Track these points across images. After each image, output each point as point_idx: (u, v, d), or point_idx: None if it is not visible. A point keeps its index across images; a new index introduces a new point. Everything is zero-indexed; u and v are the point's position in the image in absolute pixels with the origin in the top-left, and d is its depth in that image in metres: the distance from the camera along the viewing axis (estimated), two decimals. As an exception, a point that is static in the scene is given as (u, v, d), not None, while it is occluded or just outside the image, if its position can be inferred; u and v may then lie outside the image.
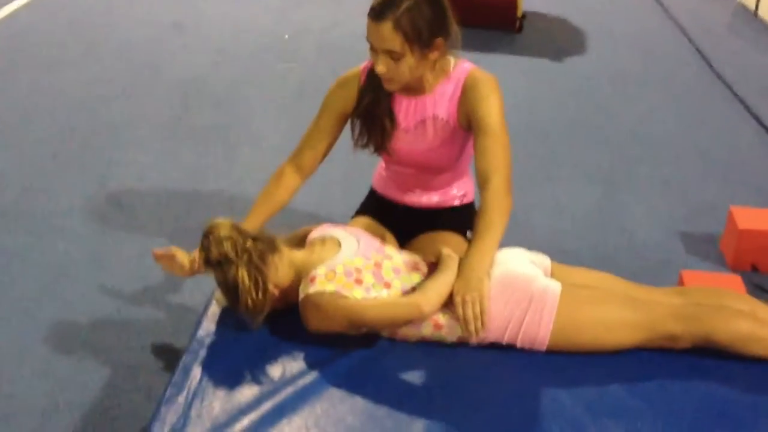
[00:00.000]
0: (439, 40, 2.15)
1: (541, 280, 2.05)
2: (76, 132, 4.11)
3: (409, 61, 2.13)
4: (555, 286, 2.03)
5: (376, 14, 2.09)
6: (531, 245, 3.14)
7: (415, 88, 2.28)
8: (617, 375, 1.98)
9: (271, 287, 2.03)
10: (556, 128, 4.39)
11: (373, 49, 2.15)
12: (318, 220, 3.39)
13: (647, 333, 1.99)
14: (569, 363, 2.02)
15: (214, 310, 2.20)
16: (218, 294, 2.20)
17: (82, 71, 4.89)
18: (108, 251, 3.11)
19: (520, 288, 2.03)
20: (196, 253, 2.25)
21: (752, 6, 6.52)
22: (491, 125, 2.19)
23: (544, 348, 2.03)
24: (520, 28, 5.83)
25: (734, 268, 3.12)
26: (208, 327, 2.14)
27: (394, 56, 2.12)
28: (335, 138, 2.42)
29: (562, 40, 5.83)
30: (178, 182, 3.66)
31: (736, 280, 2.74)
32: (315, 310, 1.98)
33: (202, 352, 2.04)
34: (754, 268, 3.10)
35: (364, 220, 2.57)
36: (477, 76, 2.26)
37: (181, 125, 4.24)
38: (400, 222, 2.55)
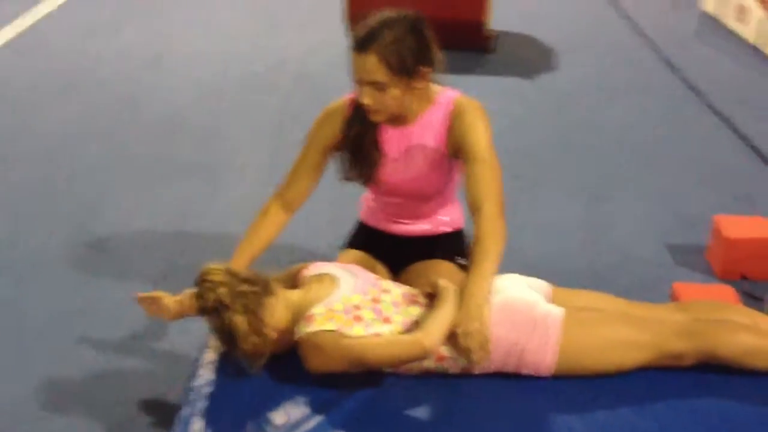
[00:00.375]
0: (424, 69, 2.16)
1: (543, 306, 2.05)
2: (56, 175, 4.06)
3: (395, 91, 2.13)
4: (557, 311, 2.03)
5: (360, 46, 2.09)
6: (523, 268, 3.14)
7: (401, 118, 2.27)
8: (626, 397, 1.98)
9: (268, 331, 2.01)
10: (536, 147, 4.41)
11: (359, 82, 2.15)
12: (305, 253, 3.39)
13: (652, 352, 1.99)
14: (576, 387, 2.01)
15: (210, 358, 2.17)
16: (213, 341, 2.17)
17: (60, 111, 4.85)
18: (96, 300, 3.06)
19: (522, 314, 2.03)
20: (182, 296, 2.22)
21: (716, 13, 6.61)
22: (480, 152, 2.20)
23: (550, 373, 2.02)
24: (492, 48, 5.86)
25: (723, 278, 3.13)
26: (204, 376, 2.10)
27: (380, 87, 2.12)
28: (322, 171, 2.41)
29: (533, 58, 5.87)
30: (164, 223, 3.63)
31: (728, 291, 2.75)
32: (315, 350, 1.96)
33: (200, 404, 2.00)
34: (743, 277, 3.11)
35: (353, 253, 2.55)
36: (464, 103, 2.27)
37: (164, 163, 4.20)
38: (390, 252, 2.53)
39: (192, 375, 2.10)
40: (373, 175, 2.34)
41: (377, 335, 1.97)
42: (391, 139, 2.30)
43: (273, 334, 2.02)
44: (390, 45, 2.08)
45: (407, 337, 1.95)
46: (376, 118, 2.22)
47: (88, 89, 5.21)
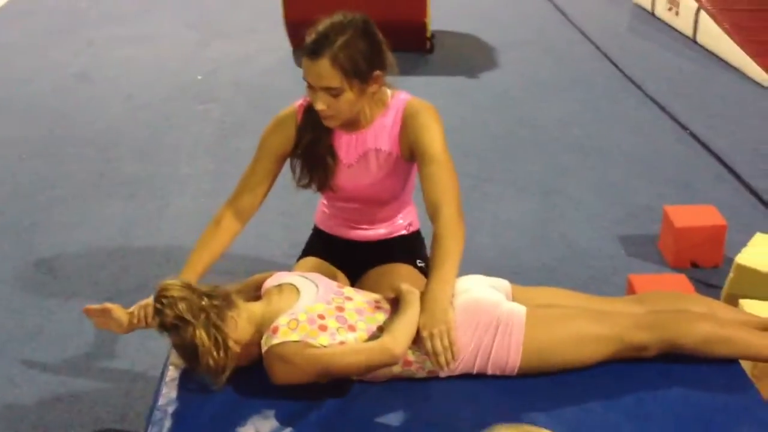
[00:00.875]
0: (377, 73, 2.14)
1: (506, 305, 2.04)
2: (-7, 196, 3.94)
3: (349, 96, 2.11)
4: (520, 309, 2.03)
5: (312, 52, 2.06)
6: (479, 266, 3.15)
7: (354, 123, 2.25)
8: (592, 391, 1.98)
9: (231, 344, 1.96)
10: (482, 145, 4.43)
11: (311, 87, 2.11)
12: (259, 263, 3.34)
13: (615, 345, 2.00)
14: (543, 385, 2.00)
15: (172, 375, 2.11)
16: (174, 357, 2.12)
17: (-10, 130, 4.70)
18: (45, 322, 2.97)
19: (485, 314, 2.02)
20: (134, 308, 2.16)
21: (648, 6, 6.74)
22: (436, 154, 2.19)
23: (515, 372, 2.02)
24: (431, 48, 5.88)
25: (675, 266, 3.18)
26: (168, 394, 2.04)
27: (334, 93, 2.09)
28: (274, 179, 2.37)
29: (473, 56, 5.90)
30: (109, 240, 3.53)
31: (682, 280, 2.79)
32: (281, 362, 1.92)
33: (167, 423, 1.95)
34: (694, 264, 3.17)
35: (311, 260, 2.51)
36: (415, 105, 2.25)
37: (104, 179, 4.10)
38: (348, 258, 2.50)
39: (155, 393, 2.04)
40: (328, 182, 2.31)
41: (343, 343, 1.94)
42: (346, 145, 2.27)
43: (236, 348, 1.98)
44: (342, 49, 2.05)
45: (374, 344, 1.92)
46: (330, 123, 2.19)
47: (15, 108, 5.07)
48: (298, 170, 2.33)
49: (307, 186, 2.34)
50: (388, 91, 2.27)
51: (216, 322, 1.94)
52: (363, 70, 2.09)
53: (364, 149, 2.26)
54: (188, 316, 1.92)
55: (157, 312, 1.97)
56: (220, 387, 1.99)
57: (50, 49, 6.18)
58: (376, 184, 2.30)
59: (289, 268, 2.70)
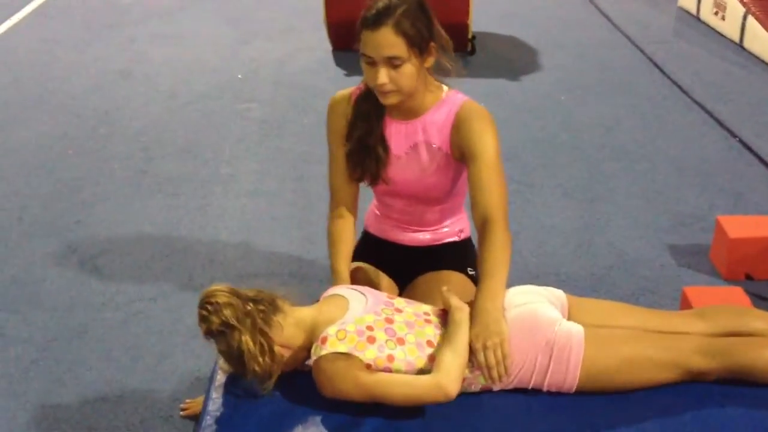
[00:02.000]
0: (433, 45, 2.12)
1: (564, 324, 1.99)
2: (36, 194, 3.95)
3: (410, 67, 2.09)
4: (578, 330, 1.97)
5: (374, 22, 2.05)
6: (524, 273, 3.13)
7: (407, 111, 2.22)
8: (650, 410, 1.93)
9: (278, 349, 1.94)
10: (525, 149, 4.38)
11: (371, 63, 2.09)
12: (303, 263, 3.32)
13: (678, 371, 1.95)
14: (598, 403, 1.96)
15: (221, 380, 2.09)
16: (222, 362, 2.10)
17: (32, 129, 4.72)
18: (90, 321, 2.96)
19: (542, 331, 1.97)
20: None
21: (693, 10, 6.64)
22: (488, 160, 2.16)
23: (572, 391, 1.97)
24: (473, 50, 5.83)
25: (728, 278, 3.11)
26: (218, 399, 2.02)
27: (396, 63, 2.07)
28: None
29: (515, 59, 5.85)
30: (153, 238, 3.53)
31: (738, 292, 2.72)
32: (330, 380, 1.90)
33: (217, 428, 1.93)
34: (748, 277, 3.09)
35: (359, 265, 2.48)
36: (472, 108, 2.22)
37: (147, 177, 4.10)
38: (397, 263, 2.47)
39: (205, 398, 2.02)
40: (380, 173, 2.28)
41: (391, 357, 1.90)
42: (397, 135, 2.25)
43: (283, 353, 1.95)
44: (403, 17, 2.05)
45: (427, 381, 1.88)
46: (390, 100, 2.15)
47: (58, 105, 5.09)
48: (350, 164, 2.29)
49: (360, 179, 2.31)
50: (444, 86, 2.24)
51: (262, 327, 1.92)
52: (424, 37, 2.08)
53: (414, 141, 2.24)
54: (233, 322, 1.90)
55: (203, 319, 1.96)
56: (267, 392, 1.96)
57: (92, 45, 6.22)
58: (425, 179, 2.27)
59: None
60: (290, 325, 1.98)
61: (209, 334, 1.96)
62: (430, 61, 2.14)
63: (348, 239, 2.34)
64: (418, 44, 2.07)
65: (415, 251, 2.45)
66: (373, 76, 2.10)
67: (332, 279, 2.28)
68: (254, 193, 3.91)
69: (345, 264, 2.30)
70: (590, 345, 1.94)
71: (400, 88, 2.12)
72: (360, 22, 2.08)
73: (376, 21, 2.04)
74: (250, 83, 5.42)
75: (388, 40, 2.04)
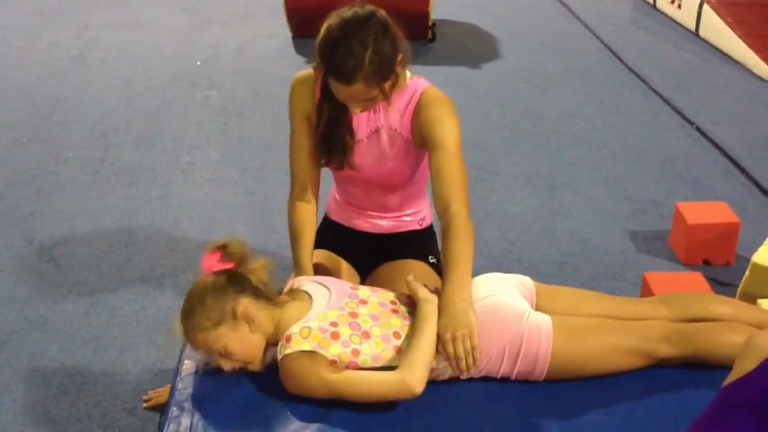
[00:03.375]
0: (400, 57, 2.10)
1: (533, 316, 2.00)
2: (-9, 184, 3.86)
3: (383, 94, 2.08)
4: (546, 321, 1.98)
5: (344, 78, 2.00)
6: (488, 261, 3.15)
7: None
8: (618, 395, 1.95)
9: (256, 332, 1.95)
10: (487, 136, 4.39)
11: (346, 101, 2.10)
12: (266, 254, 3.27)
13: (644, 358, 1.98)
14: (568, 388, 1.97)
15: (188, 370, 2.07)
16: (190, 351, 2.08)
17: (-15, 116, 4.61)
18: (50, 313, 2.91)
19: (510, 321, 1.97)
20: None
21: (650, -2, 6.72)
22: (449, 147, 2.15)
23: (540, 380, 1.99)
24: (433, 38, 5.82)
25: (686, 263, 3.16)
26: (185, 390, 2.00)
27: (371, 101, 2.08)
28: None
29: (475, 46, 5.86)
30: (112, 228, 3.47)
31: (698, 277, 2.76)
32: (294, 378, 1.89)
33: (184, 419, 1.90)
34: (706, 262, 3.15)
35: (321, 253, 2.47)
36: (433, 95, 2.21)
37: (104, 166, 4.03)
38: (359, 251, 2.46)
39: (171, 389, 2.00)
40: (346, 158, 2.26)
41: (357, 351, 1.90)
42: (359, 118, 2.23)
43: (260, 339, 1.95)
44: (371, 66, 1.99)
45: (392, 378, 1.87)
46: (358, 111, 2.15)
47: (11, 91, 4.97)
48: (318, 148, 2.27)
49: (326, 165, 2.29)
50: (407, 72, 2.23)
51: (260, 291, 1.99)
52: (391, 69, 2.06)
53: (376, 125, 2.23)
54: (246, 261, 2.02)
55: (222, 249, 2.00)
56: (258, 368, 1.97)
57: (44, 31, 6.08)
58: (387, 164, 2.26)
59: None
60: (264, 315, 1.98)
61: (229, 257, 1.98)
62: (398, 72, 2.12)
63: (310, 229, 2.32)
64: (388, 77, 2.05)
65: (376, 239, 2.44)
66: (346, 103, 2.10)
67: (294, 270, 2.26)
68: (215, 181, 3.86)
69: (308, 256, 2.29)
70: (559, 335, 1.95)
71: (372, 106, 2.15)
72: (324, 60, 2.01)
73: (346, 78, 1.99)
74: (209, 71, 5.35)
75: (360, 92, 2.03)
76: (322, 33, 2.03)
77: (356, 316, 1.97)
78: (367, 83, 2.01)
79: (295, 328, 1.92)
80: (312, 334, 1.90)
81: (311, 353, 1.88)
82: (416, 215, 2.45)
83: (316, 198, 2.34)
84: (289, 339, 1.91)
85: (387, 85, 2.07)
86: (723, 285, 2.94)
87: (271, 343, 1.98)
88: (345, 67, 1.98)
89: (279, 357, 1.91)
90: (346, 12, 2.05)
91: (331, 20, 2.03)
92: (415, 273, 2.24)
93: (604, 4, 6.90)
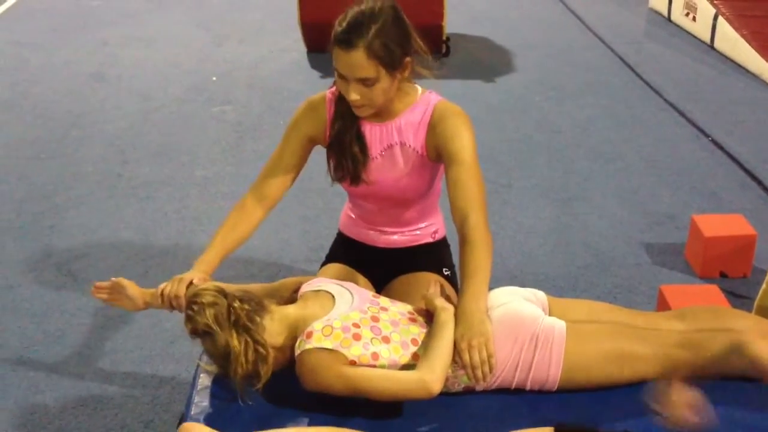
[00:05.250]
0: (408, 59, 2.10)
1: (546, 319, 2.00)
2: (9, 199, 3.89)
3: (383, 84, 2.07)
4: (560, 325, 1.98)
5: (345, 42, 2.01)
6: (503, 274, 3.15)
7: (381, 114, 2.21)
8: (634, 407, 1.94)
9: (263, 349, 1.93)
10: (501, 150, 4.40)
11: (343, 77, 2.07)
12: (280, 267, 3.31)
13: (658, 364, 1.95)
14: (581, 401, 1.97)
15: (204, 383, 2.07)
16: (205, 364, 2.09)
17: (3, 133, 4.66)
18: (67, 326, 2.93)
19: (525, 328, 1.98)
20: (162, 289, 2.12)
21: (664, 11, 6.71)
22: (466, 160, 2.15)
23: (554, 388, 1.98)
24: (447, 52, 5.85)
25: (703, 276, 3.15)
26: (200, 403, 2.01)
27: (368, 83, 2.05)
28: (301, 165, 2.30)
29: (489, 60, 5.88)
30: (129, 242, 3.50)
31: (714, 290, 2.75)
32: (312, 372, 1.89)
33: (201, 432, 1.91)
34: (723, 275, 3.13)
35: (335, 267, 2.47)
36: (447, 108, 2.22)
37: (121, 181, 4.07)
38: (373, 265, 2.46)
39: (187, 402, 2.00)
40: (360, 174, 2.26)
41: (376, 355, 1.90)
42: (372, 136, 2.24)
43: (270, 352, 1.94)
44: (376, 38, 2.01)
45: (412, 377, 1.88)
46: (362, 113, 2.15)
47: (29, 109, 5.02)
48: (332, 163, 2.28)
49: (341, 179, 2.29)
50: (419, 87, 2.23)
51: (247, 325, 1.92)
52: (397, 56, 2.05)
53: (389, 142, 2.23)
54: (218, 323, 1.90)
55: (188, 319, 1.95)
56: (258, 391, 1.95)
57: (62, 48, 6.15)
58: (401, 180, 2.26)
59: (310, 273, 2.68)
60: (276, 323, 1.98)
61: (195, 333, 1.95)
62: (404, 74, 2.12)
63: (240, 235, 2.25)
64: (392, 64, 2.04)
65: (390, 253, 2.43)
66: (345, 90, 2.09)
67: (196, 264, 2.17)
68: (230, 195, 3.88)
69: (218, 258, 2.20)
70: (572, 339, 1.95)
71: (372, 103, 2.11)
72: (333, 34, 2.04)
73: (347, 41, 2.00)
74: (225, 86, 5.39)
75: (359, 63, 2.01)
76: None
77: (377, 320, 1.98)
78: (368, 53, 2.00)
79: (317, 325, 1.92)
80: (334, 333, 1.90)
81: (331, 350, 1.88)
82: (428, 228, 2.45)
83: (268, 209, 2.30)
84: (310, 335, 1.90)
85: (388, 75, 2.05)
86: (740, 298, 2.92)
87: (291, 343, 1.96)
88: (348, 32, 2.00)
89: (297, 352, 1.90)
90: (369, 1, 2.08)
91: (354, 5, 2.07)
92: (430, 285, 2.26)
93: (618, 16, 6.90)
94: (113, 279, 2.18)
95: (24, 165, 4.24)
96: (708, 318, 2.07)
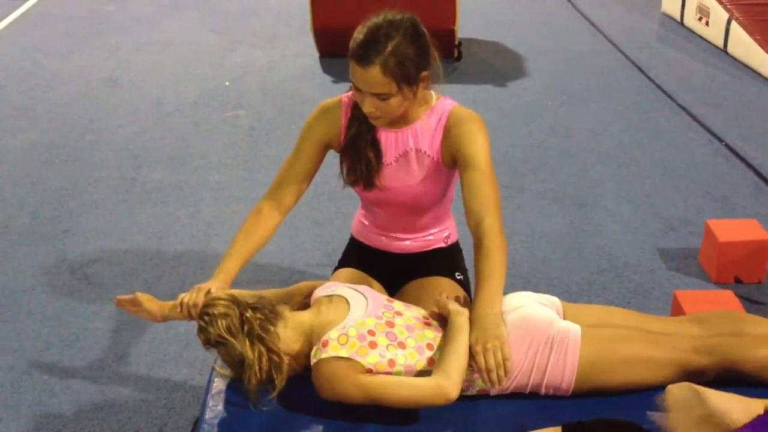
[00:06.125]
0: (425, 74, 2.10)
1: (561, 323, 2.00)
2: (23, 203, 3.92)
3: (399, 98, 2.08)
4: (575, 328, 1.98)
5: (362, 59, 2.02)
6: (516, 279, 3.14)
7: (397, 120, 2.22)
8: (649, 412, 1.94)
9: (277, 356, 1.94)
10: (513, 154, 4.39)
11: (359, 90, 2.08)
12: (293, 272, 3.31)
13: (673, 369, 1.95)
14: (596, 406, 1.96)
15: (219, 387, 2.08)
16: (220, 369, 2.09)
17: (17, 138, 4.68)
18: (81, 330, 2.95)
19: (540, 331, 1.98)
20: (181, 300, 2.12)
21: (677, 15, 6.69)
22: (481, 164, 2.16)
23: (569, 392, 1.98)
24: (459, 56, 5.85)
25: (717, 282, 3.13)
26: (215, 407, 2.01)
27: (383, 97, 2.06)
28: (316, 170, 2.31)
29: (501, 65, 5.87)
30: (142, 246, 3.51)
31: (729, 296, 2.74)
32: (329, 381, 1.89)
33: (215, 437, 1.92)
34: (737, 280, 3.12)
35: (348, 272, 2.47)
36: (462, 114, 2.22)
37: (135, 185, 4.08)
38: (386, 270, 2.46)
39: (202, 406, 2.01)
40: (373, 180, 2.27)
41: (392, 362, 1.91)
42: (388, 142, 2.24)
43: (284, 359, 1.95)
44: (392, 55, 2.01)
45: (428, 383, 1.88)
46: (378, 123, 2.17)
47: (44, 112, 5.05)
48: (345, 168, 2.28)
49: (355, 183, 2.29)
50: (433, 94, 2.24)
51: (260, 334, 1.92)
52: (413, 74, 2.06)
53: (404, 148, 2.23)
54: (230, 332, 1.92)
55: (201, 329, 1.96)
56: (275, 396, 1.95)
57: (76, 53, 6.19)
58: (416, 186, 2.26)
59: (323, 277, 2.68)
60: (290, 329, 1.98)
61: (207, 343, 1.96)
62: (421, 88, 2.12)
63: (257, 242, 2.25)
64: (407, 80, 2.05)
65: (402, 258, 2.44)
66: (361, 101, 2.10)
67: (215, 275, 2.15)
68: (243, 200, 3.89)
69: (236, 267, 2.19)
70: (587, 342, 1.95)
71: (387, 115, 2.13)
72: (350, 46, 2.04)
73: (364, 57, 2.01)
74: (238, 90, 5.41)
75: (375, 80, 2.02)
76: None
77: (393, 326, 1.98)
78: (383, 71, 2.00)
79: (333, 334, 1.92)
80: (350, 342, 1.90)
81: (347, 359, 1.88)
82: (441, 233, 2.45)
83: (284, 214, 2.30)
84: (326, 344, 1.90)
85: (404, 91, 2.06)
86: (755, 303, 2.91)
87: (306, 349, 1.97)
88: (365, 48, 2.01)
89: (313, 361, 1.91)
90: (389, 13, 2.08)
91: (373, 16, 2.07)
92: (443, 290, 2.26)
93: (630, 21, 6.89)
94: (136, 294, 2.18)
95: (38, 169, 4.27)
96: (723, 323, 2.06)
